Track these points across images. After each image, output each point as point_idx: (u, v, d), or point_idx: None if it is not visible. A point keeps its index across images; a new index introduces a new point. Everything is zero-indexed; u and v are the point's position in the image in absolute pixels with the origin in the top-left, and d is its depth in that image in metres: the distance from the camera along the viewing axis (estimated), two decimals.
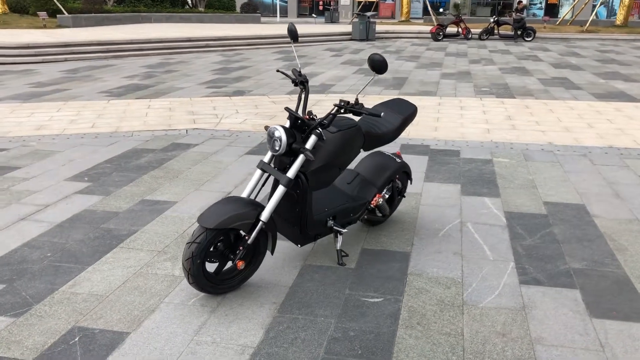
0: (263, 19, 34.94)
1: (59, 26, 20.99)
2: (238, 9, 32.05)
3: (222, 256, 3.24)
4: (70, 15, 21.37)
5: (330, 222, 3.59)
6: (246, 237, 3.21)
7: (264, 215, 3.20)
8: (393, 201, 4.21)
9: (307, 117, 3.33)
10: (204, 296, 3.31)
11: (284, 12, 44.09)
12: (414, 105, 4.12)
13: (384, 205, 4.04)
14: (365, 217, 4.03)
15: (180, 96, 9.77)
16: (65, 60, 14.95)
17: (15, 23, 21.07)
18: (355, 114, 3.28)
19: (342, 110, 3.29)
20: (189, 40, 17.74)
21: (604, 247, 3.97)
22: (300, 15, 44.84)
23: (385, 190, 4.14)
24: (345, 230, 3.63)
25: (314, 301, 3.26)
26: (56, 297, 3.29)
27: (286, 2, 44.44)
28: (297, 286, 3.43)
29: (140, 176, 5.48)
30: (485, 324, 3.06)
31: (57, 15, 21.38)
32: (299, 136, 3.29)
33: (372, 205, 3.88)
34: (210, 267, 3.49)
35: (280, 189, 3.25)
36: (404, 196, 4.38)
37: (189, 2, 30.57)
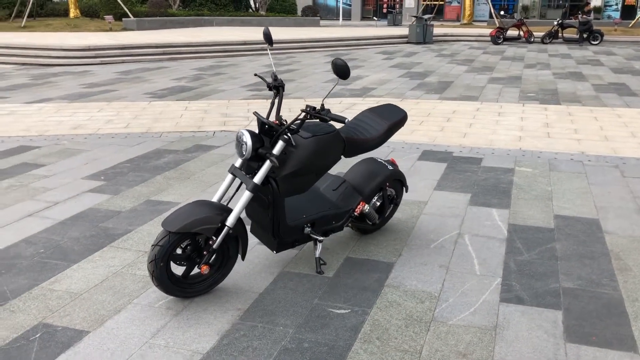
0: (324, 22, 35.07)
1: (124, 29, 21.84)
2: (299, 13, 32.33)
3: (190, 260, 3.25)
4: (135, 18, 22.20)
5: (308, 229, 3.53)
6: (210, 242, 3.20)
7: (229, 221, 3.18)
8: (383, 210, 4.10)
9: (277, 122, 3.29)
10: (173, 299, 3.33)
11: (347, 16, 44.10)
12: (404, 112, 4.00)
13: (371, 213, 3.93)
14: (349, 225, 3.93)
15: (220, 98, 9.93)
16: (123, 62, 15.52)
17: (84, 26, 22.09)
18: (320, 119, 3.21)
19: (308, 116, 3.23)
20: (244, 43, 18.03)
21: (605, 266, 3.71)
22: (363, 18, 44.75)
23: (376, 198, 4.03)
24: (321, 238, 3.56)
25: (278, 309, 3.21)
26: (33, 292, 3.39)
27: (350, 5, 44.45)
28: (268, 293, 3.39)
29: (154, 176, 5.59)
30: (449, 342, 2.91)
31: (123, 19, 22.25)
32: (267, 141, 3.26)
33: (356, 213, 3.79)
34: (180, 270, 3.50)
35: (246, 194, 3.23)
36: (397, 204, 4.26)
37: (252, 6, 31.11)
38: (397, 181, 4.14)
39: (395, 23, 33.66)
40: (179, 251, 3.25)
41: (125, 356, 2.80)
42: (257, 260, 3.80)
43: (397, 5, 43.46)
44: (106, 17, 21.51)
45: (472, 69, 13.93)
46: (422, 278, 3.57)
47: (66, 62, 14.92)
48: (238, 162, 3.38)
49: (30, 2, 22.35)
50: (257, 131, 3.31)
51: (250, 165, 3.30)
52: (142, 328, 3.04)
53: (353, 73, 13.33)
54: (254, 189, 3.21)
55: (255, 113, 3.27)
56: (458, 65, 14.72)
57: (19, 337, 2.95)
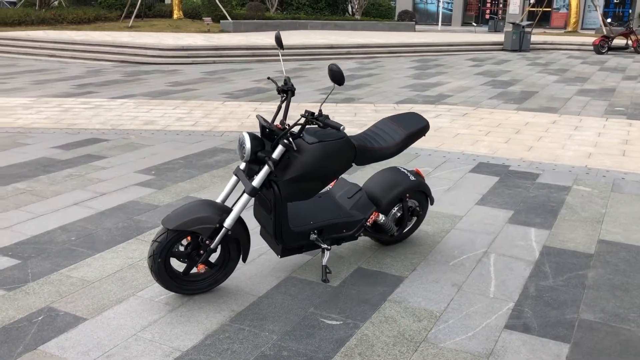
0: (421, 27, 34.58)
1: (222, 31, 22.68)
2: (396, 18, 32.09)
3: (190, 257, 3.30)
4: (232, 21, 23.00)
5: (314, 236, 3.48)
6: (207, 242, 3.24)
7: (227, 222, 3.20)
8: (403, 222, 3.96)
9: (280, 126, 3.27)
10: (174, 295, 3.40)
11: (448, 21, 43.22)
12: (425, 121, 3.84)
13: (387, 224, 3.81)
14: (361, 234, 3.81)
15: (295, 101, 10.05)
16: (214, 62, 16.11)
17: (185, 28, 23.19)
18: (318, 125, 3.16)
19: (307, 122, 3.19)
20: (331, 47, 18.15)
21: (638, 301, 3.37)
22: (465, 23, 43.65)
23: (396, 209, 3.91)
24: (325, 246, 3.50)
25: (271, 315, 3.19)
26: (51, 277, 3.59)
27: (451, 10, 43.55)
28: (266, 297, 3.38)
29: (201, 174, 5.75)
30: None
31: (221, 21, 23.12)
32: (268, 145, 3.25)
33: (368, 224, 3.69)
34: (182, 267, 3.54)
35: (244, 197, 3.24)
36: (420, 217, 4.10)
37: (350, 10, 31.28)
38: (421, 193, 3.99)
39: (497, 29, 32.56)
40: (181, 248, 3.31)
41: (110, 345, 2.89)
42: (267, 264, 3.80)
43: (500, 11, 42.04)
44: (205, 19, 22.44)
45: (562, 79, 13.18)
46: (428, 295, 3.41)
47: (160, 60, 15.71)
48: (243, 165, 3.40)
49: (138, 4, 23.77)
50: (261, 134, 3.31)
51: (251, 168, 3.31)
52: (135, 320, 3.13)
53: (433, 79, 13.04)
54: (252, 192, 3.21)
55: (258, 116, 3.27)
56: (549, 75, 13.99)
57: (23, 318, 3.13)
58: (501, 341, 2.96)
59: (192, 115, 8.64)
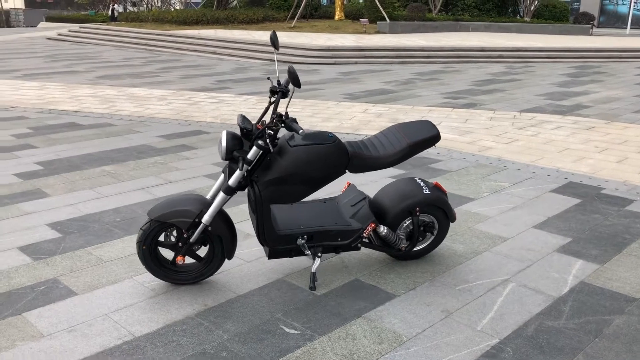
0: (606, 31, 31.58)
1: (377, 32, 22.80)
2: (571, 20, 29.66)
3: (175, 248, 3.42)
4: (388, 22, 23.01)
5: (301, 241, 3.41)
6: (185, 235, 3.33)
7: (205, 218, 3.27)
8: (413, 237, 3.70)
9: (261, 126, 3.25)
10: (164, 283, 3.54)
11: (637, 23, 38.88)
12: (435, 131, 3.54)
13: (390, 237, 3.59)
14: (359, 245, 3.60)
15: (407, 104, 9.84)
16: (356, 63, 16.28)
17: (343, 29, 23.70)
18: (279, 127, 3.11)
19: (279, 124, 3.14)
20: (482, 50, 17.37)
21: None
22: None
23: (407, 223, 3.67)
24: (309, 252, 3.40)
25: (236, 314, 3.20)
26: (76, 253, 3.95)
27: None
28: (244, 297, 3.39)
29: None
30: None
31: (377, 22, 23.26)
32: (246, 145, 3.25)
33: (364, 234, 3.52)
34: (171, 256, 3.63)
35: (220, 195, 3.27)
36: (436, 234, 3.80)
37: (521, 11, 29.59)
38: (437, 208, 3.70)
39: None
40: (172, 238, 3.45)
41: (79, 321, 3.11)
42: (268, 264, 3.80)
43: None
44: (361, 20, 22.73)
45: None
46: (408, 318, 3.17)
47: (305, 60, 16.27)
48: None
49: (302, 5, 24.80)
50: (240, 133, 3.32)
51: (232, 167, 3.33)
52: (114, 301, 3.32)
53: (581, 88, 11.88)
54: (226, 191, 3.24)
55: (239, 116, 3.28)
56: None
57: (29, 286, 3.49)
58: None
59: (300, 114, 8.85)
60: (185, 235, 3.33)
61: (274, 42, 3.29)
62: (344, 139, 7.26)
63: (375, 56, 16.62)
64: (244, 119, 3.25)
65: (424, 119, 7.43)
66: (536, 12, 28.48)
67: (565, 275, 3.67)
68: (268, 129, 3.19)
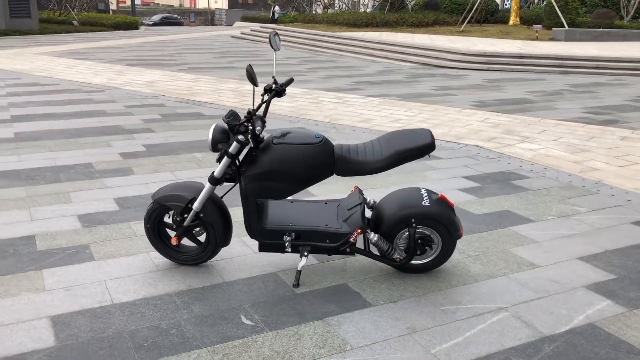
0: None
1: (551, 39, 21.32)
2: None
3: (175, 229, 3.68)
4: (565, 28, 21.38)
5: (287, 238, 3.47)
6: (179, 219, 3.57)
7: (195, 204, 3.48)
8: (409, 250, 3.54)
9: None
10: (170, 261, 3.83)
11: None
12: (429, 140, 3.33)
13: (380, 245, 3.49)
14: (348, 251, 3.53)
15: (540, 117, 9.17)
16: (511, 70, 15.42)
17: (514, 34, 22.55)
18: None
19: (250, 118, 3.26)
20: (630, 61, 15.40)
21: None
22: None
23: (406, 234, 3.54)
24: (289, 250, 3.45)
25: (208, 298, 3.36)
26: (118, 226, 4.41)
27: None
28: (228, 284, 3.54)
29: None
30: None
31: (553, 29, 21.73)
32: (232, 138, 3.38)
33: (351, 240, 3.46)
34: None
35: (207, 185, 3.45)
36: (436, 249, 3.58)
37: None
38: (438, 223, 3.50)
39: None
40: (164, 218, 3.72)
41: (79, 282, 3.51)
42: (271, 257, 3.90)
43: None
44: (535, 25, 21.46)
45: None
46: (367, 329, 3.08)
47: (456, 65, 15.85)
48: None
49: (474, 10, 24.07)
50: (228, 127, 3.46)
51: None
52: (118, 270, 3.68)
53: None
54: (211, 180, 3.41)
55: (229, 111, 3.42)
56: None
57: (63, 248, 3.99)
58: None
59: (413, 118, 8.73)
60: (178, 219, 3.59)
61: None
62: (442, 147, 7.04)
63: (534, 64, 15.62)
64: (232, 114, 3.40)
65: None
66: None
67: (576, 313, 3.26)
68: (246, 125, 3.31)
